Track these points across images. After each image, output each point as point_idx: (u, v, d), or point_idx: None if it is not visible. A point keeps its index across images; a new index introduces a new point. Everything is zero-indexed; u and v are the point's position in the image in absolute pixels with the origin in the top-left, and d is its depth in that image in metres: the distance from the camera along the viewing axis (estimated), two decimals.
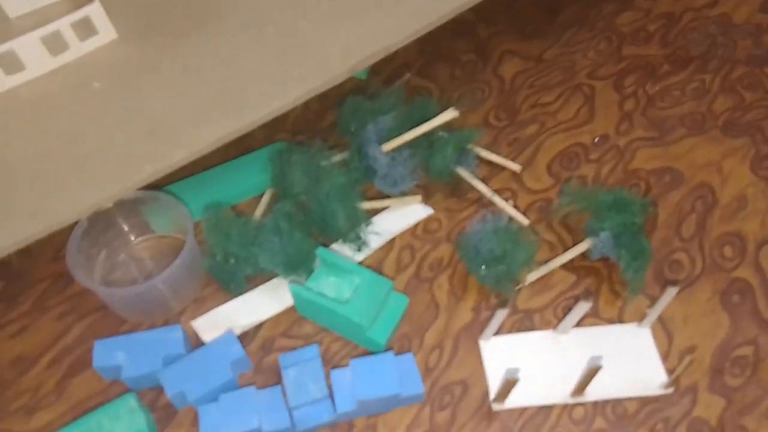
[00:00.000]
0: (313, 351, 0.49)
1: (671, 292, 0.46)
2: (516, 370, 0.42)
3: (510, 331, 0.52)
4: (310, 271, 0.51)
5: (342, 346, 0.51)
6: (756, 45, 0.71)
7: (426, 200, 0.59)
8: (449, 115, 0.56)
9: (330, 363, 0.50)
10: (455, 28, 0.72)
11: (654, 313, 0.49)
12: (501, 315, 0.46)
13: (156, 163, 0.52)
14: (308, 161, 0.56)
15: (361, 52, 0.51)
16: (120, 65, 0.56)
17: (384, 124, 0.57)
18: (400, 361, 0.48)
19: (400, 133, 0.57)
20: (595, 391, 0.47)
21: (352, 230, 0.54)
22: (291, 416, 0.46)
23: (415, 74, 0.69)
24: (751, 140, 0.63)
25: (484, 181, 0.58)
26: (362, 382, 0.46)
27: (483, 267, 0.51)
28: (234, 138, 0.55)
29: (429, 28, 0.53)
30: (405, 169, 0.56)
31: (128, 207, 0.54)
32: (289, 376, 0.47)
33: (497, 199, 0.57)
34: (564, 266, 0.54)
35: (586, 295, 0.52)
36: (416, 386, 0.47)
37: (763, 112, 0.65)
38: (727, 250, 0.55)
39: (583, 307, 0.46)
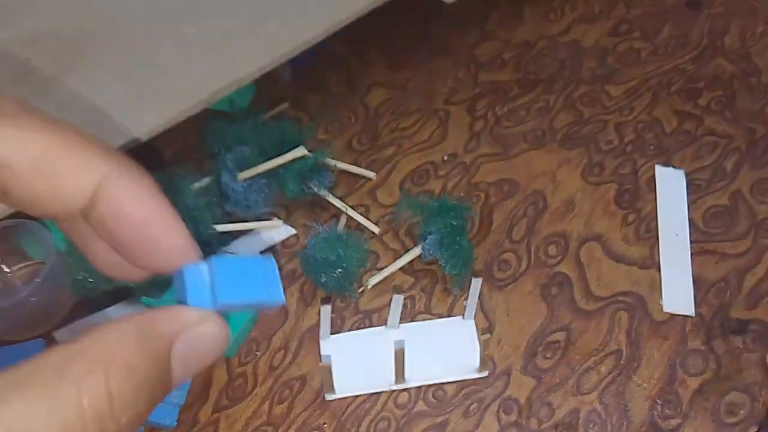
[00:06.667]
0: None
1: (476, 282, 0.52)
2: (328, 357, 0.47)
3: (351, 330, 0.57)
4: (165, 290, 0.56)
5: None
6: (600, 65, 0.78)
7: (287, 218, 0.64)
8: (299, 152, 0.61)
9: None
10: (329, 62, 0.78)
11: (470, 305, 0.54)
12: (325, 311, 0.51)
13: None
14: (165, 186, 0.61)
15: (215, 84, 0.54)
16: None
17: (241, 153, 0.62)
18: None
19: (258, 162, 0.62)
20: (418, 378, 0.52)
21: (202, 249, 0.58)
22: None
23: (290, 106, 0.75)
24: (585, 150, 0.69)
25: (342, 197, 0.64)
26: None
27: (322, 275, 0.56)
28: None
29: (282, 59, 0.57)
30: (259, 195, 0.62)
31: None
32: None
33: (351, 212, 0.63)
34: (404, 270, 0.60)
35: (398, 290, 0.57)
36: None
37: (599, 125, 0.72)
38: (552, 249, 0.61)
39: (397, 300, 0.51)
